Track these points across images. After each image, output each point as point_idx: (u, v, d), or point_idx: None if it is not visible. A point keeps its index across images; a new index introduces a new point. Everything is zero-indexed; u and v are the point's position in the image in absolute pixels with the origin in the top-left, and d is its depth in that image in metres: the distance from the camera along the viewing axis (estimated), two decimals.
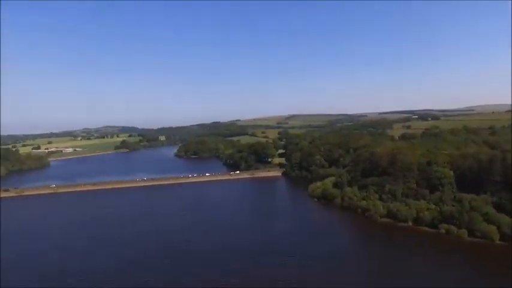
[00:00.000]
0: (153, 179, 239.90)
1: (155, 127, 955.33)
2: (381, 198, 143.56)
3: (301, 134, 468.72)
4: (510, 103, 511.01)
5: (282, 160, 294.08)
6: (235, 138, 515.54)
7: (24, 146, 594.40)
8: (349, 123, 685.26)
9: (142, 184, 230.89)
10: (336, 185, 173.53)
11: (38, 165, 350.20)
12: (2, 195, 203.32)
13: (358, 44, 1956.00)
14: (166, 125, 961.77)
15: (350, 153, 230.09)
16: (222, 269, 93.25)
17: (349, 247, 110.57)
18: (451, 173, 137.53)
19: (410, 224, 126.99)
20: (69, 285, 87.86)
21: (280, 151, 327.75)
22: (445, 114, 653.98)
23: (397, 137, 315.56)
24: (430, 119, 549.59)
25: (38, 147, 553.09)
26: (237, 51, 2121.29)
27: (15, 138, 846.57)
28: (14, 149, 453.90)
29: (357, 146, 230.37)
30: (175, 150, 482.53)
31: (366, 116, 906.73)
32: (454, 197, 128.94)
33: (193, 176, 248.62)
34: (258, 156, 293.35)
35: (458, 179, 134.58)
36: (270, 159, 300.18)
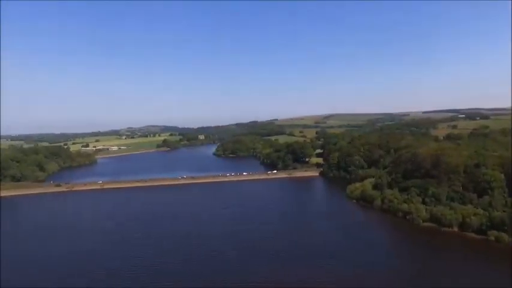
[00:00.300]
0: (192, 177, 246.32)
1: (195, 126, 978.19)
2: (423, 202, 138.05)
3: (339, 133, 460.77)
4: None
5: (320, 160, 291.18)
6: (272, 138, 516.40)
7: (74, 144, 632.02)
8: (390, 123, 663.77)
9: (183, 182, 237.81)
10: (375, 186, 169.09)
11: (87, 162, 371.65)
12: (54, 190, 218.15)
13: (403, 41, 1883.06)
14: (206, 124, 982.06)
15: (391, 154, 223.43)
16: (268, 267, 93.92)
17: (390, 250, 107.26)
18: (502, 176, 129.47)
19: (455, 229, 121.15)
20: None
21: (318, 151, 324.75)
22: (496, 113, 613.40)
23: (442, 137, 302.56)
24: (478, 118, 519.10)
25: (87, 145, 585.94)
26: (275, 50, 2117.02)
27: (67, 137, 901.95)
28: (65, 147, 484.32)
29: (398, 146, 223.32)
30: (213, 149, 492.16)
31: (408, 115, 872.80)
32: (506, 202, 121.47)
33: (231, 175, 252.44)
34: (296, 155, 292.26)
35: (510, 183, 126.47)
36: (307, 159, 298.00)
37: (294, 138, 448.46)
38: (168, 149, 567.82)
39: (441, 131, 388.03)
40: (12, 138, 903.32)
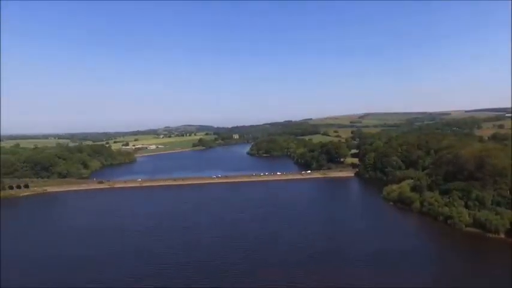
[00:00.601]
0: (226, 177, 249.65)
1: (229, 126, 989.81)
2: (466, 206, 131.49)
3: (376, 133, 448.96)
4: None
5: (355, 160, 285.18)
6: (306, 137, 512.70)
7: (115, 142, 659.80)
8: (430, 122, 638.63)
9: (217, 181, 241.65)
10: (414, 188, 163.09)
11: (127, 160, 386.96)
12: (97, 187, 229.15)
13: (443, 37, 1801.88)
14: (240, 123, 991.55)
15: (431, 155, 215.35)
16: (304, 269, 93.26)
17: (431, 255, 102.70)
18: None
19: (502, 235, 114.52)
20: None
21: (353, 151, 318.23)
22: None
23: (487, 138, 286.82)
24: None
25: (127, 144, 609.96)
26: (311, 50, 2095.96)
27: (108, 136, 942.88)
28: (107, 145, 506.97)
29: (438, 147, 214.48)
30: (247, 148, 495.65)
31: (449, 114, 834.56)
32: None
33: (264, 175, 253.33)
34: (330, 155, 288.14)
35: None
36: (342, 159, 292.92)
37: (328, 138, 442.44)
38: (203, 148, 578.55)
39: (486, 131, 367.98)
40: (59, 136, 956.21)
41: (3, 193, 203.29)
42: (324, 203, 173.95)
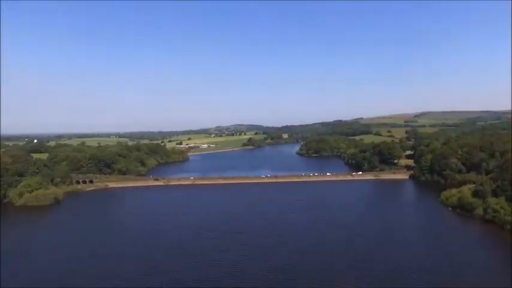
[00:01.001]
0: (276, 177, 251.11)
1: (279, 125, 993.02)
2: None
3: (433, 133, 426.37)
4: None
5: (410, 162, 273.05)
6: (357, 137, 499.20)
7: (169, 141, 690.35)
8: (495, 122, 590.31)
9: (267, 181, 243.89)
10: (476, 193, 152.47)
11: (180, 158, 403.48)
12: (153, 184, 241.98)
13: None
14: (290, 123, 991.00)
15: (495, 158, 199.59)
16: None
17: (497, 268, 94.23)
18: None
19: None
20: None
21: (408, 152, 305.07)
22: None
23: None
24: None
25: (180, 143, 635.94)
26: (363, 50, 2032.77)
27: (163, 135, 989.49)
28: (162, 144, 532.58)
29: (504, 149, 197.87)
30: (297, 148, 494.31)
31: None
32: None
33: (314, 175, 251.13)
34: (383, 156, 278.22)
35: None
36: (396, 161, 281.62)
37: (380, 138, 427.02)
38: (253, 147, 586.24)
39: None
40: (120, 135, 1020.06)
41: (71, 187, 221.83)
42: (376, 206, 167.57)
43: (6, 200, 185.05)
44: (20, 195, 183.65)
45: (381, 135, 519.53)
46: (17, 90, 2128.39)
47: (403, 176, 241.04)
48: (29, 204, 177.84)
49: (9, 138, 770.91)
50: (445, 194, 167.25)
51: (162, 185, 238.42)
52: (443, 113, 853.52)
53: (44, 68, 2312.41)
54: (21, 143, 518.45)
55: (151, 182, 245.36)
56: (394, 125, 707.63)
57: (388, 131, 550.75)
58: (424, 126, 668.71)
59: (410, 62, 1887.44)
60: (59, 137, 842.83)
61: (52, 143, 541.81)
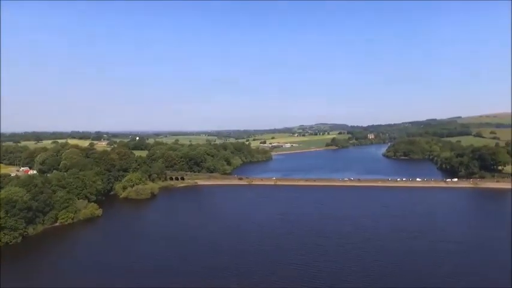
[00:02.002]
0: (359, 180, 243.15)
1: (364, 124, 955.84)
2: None
3: None
4: None
5: None
6: (454, 139, 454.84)
7: (254, 140, 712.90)
8: None
9: (349, 184, 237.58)
10: None
11: (264, 158, 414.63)
12: (238, 183, 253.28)
13: None
14: (376, 122, 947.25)
15: None
16: None
17: None
18: None
19: None
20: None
21: None
22: None
23: None
24: None
25: (264, 142, 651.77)
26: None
27: (248, 133, 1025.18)
28: (247, 143, 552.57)
29: None
30: (383, 149, 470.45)
31: None
32: None
33: (402, 180, 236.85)
34: (484, 162, 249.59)
35: None
36: (500, 167, 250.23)
37: (482, 141, 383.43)
38: (337, 147, 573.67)
39: None
40: (208, 133, 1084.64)
41: (165, 183, 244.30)
42: (473, 219, 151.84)
43: (112, 192, 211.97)
44: (124, 188, 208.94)
45: (483, 137, 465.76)
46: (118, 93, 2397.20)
47: (507, 185, 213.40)
48: (130, 197, 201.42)
49: (116, 135, 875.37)
50: None
51: (245, 184, 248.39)
52: None
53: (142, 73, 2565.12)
54: (126, 140, 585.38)
55: (235, 181, 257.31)
56: (500, 125, 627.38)
57: (492, 132, 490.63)
58: None
59: None
60: (157, 134, 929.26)
61: (151, 140, 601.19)
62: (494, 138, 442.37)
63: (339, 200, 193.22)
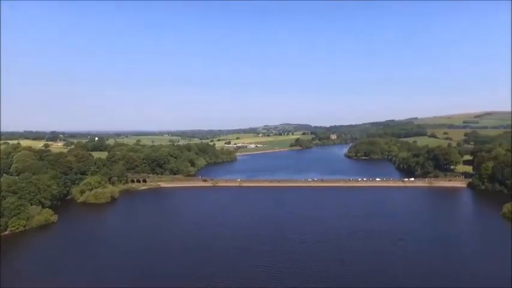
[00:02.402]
0: (323, 180, 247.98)
1: (327, 125, 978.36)
2: None
3: (495, 136, 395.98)
4: None
5: (468, 168, 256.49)
6: (411, 139, 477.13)
7: (218, 140, 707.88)
8: None
9: (313, 184, 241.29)
10: None
11: (228, 159, 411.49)
12: (202, 185, 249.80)
13: None
14: (338, 122, 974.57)
15: None
16: None
17: None
18: None
19: None
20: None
21: (466, 157, 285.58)
22: None
23: None
24: None
25: (229, 143, 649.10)
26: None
27: (213, 133, 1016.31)
28: (211, 143, 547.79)
29: None
30: (345, 150, 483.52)
31: None
32: None
33: (362, 180, 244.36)
34: (438, 162, 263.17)
35: None
36: (452, 167, 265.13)
37: (436, 141, 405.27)
38: (301, 148, 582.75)
39: None
40: (172, 133, 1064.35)
41: (127, 186, 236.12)
42: (428, 217, 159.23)
43: (69, 197, 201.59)
44: (82, 192, 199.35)
45: (437, 137, 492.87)
46: (81, 92, 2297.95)
47: (459, 184, 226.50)
48: (88, 201, 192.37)
49: (74, 135, 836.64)
50: (508, 206, 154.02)
51: (210, 186, 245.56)
52: (508, 113, 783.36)
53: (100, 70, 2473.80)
54: (84, 141, 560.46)
55: (200, 183, 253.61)
56: (452, 126, 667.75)
57: (445, 133, 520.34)
58: (485, 127, 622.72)
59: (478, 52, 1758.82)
60: (118, 135, 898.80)
61: (111, 141, 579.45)
62: (447, 138, 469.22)
63: (303, 200, 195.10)
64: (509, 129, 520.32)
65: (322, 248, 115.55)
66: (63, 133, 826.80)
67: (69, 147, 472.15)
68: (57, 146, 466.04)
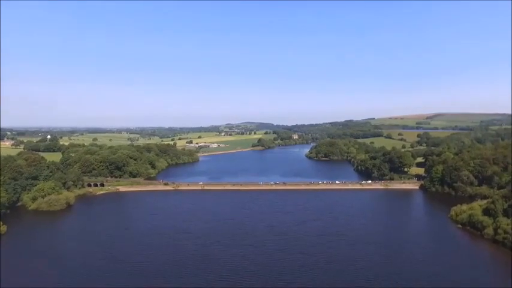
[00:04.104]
0: (284, 183, 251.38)
1: (289, 123, 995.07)
2: None
3: (445, 137, 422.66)
4: None
5: (421, 170, 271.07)
6: (368, 140, 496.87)
7: (180, 139, 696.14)
8: (510, 126, 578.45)
9: (275, 188, 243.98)
10: (487, 211, 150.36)
11: (190, 160, 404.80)
12: (163, 188, 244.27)
13: None
14: (300, 121, 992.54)
15: (508, 171, 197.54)
16: None
17: None
18: None
19: None
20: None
21: (419, 159, 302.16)
22: None
23: None
24: None
25: (191, 142, 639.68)
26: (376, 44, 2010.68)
27: (174, 131, 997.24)
28: (172, 142, 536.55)
29: None
30: (306, 150, 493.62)
31: None
32: None
33: (323, 183, 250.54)
34: (393, 164, 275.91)
35: None
36: (406, 169, 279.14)
37: (391, 142, 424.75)
38: (263, 148, 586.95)
39: None
40: (131, 131, 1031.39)
41: (83, 191, 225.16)
42: (383, 219, 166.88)
43: (20, 204, 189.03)
44: (34, 199, 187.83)
45: (392, 138, 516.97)
46: (32, 85, 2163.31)
47: (413, 186, 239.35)
48: (41, 209, 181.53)
49: (23, 132, 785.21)
50: (455, 210, 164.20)
51: (171, 190, 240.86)
52: (458, 115, 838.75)
53: (55, 63, 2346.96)
54: (35, 139, 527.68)
55: (161, 187, 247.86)
56: (406, 127, 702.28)
57: (400, 134, 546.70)
58: (436, 128, 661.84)
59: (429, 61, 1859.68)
60: (72, 132, 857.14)
61: (65, 140, 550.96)
62: (401, 139, 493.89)
63: (265, 204, 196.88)
64: (457, 131, 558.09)
65: (281, 252, 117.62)
66: (11, 130, 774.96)
67: (18, 146, 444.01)
68: (4, 146, 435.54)
